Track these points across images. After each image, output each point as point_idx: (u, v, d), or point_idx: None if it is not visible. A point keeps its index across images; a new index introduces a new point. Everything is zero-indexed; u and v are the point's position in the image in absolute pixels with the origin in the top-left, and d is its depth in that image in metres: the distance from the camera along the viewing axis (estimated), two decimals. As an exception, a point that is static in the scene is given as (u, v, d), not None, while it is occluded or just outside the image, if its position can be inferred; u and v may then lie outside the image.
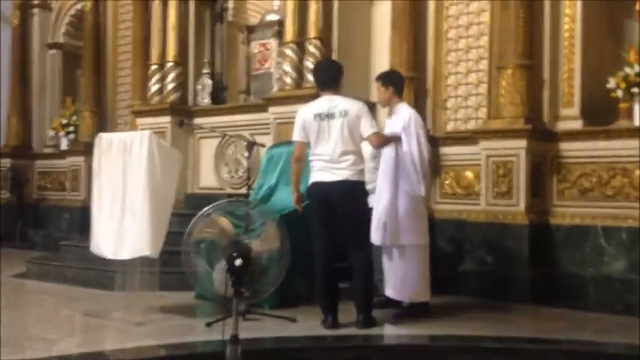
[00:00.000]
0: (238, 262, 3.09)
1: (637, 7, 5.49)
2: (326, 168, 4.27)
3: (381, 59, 6.39)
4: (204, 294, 4.71)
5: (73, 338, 4.26)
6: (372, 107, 4.61)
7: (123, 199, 4.50)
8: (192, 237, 3.51)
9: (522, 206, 5.39)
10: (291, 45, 6.44)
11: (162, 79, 7.54)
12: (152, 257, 4.49)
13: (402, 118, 4.64)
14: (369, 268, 4.37)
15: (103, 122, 8.95)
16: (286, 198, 5.05)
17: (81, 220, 8.34)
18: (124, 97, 8.94)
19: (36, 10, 9.96)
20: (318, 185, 4.31)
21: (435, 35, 6.20)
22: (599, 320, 4.79)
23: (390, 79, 4.82)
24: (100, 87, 9.02)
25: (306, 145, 4.36)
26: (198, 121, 7.28)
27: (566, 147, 5.49)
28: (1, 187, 9.92)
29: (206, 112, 7.37)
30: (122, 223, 4.50)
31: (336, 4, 6.38)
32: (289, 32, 6.47)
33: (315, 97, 4.78)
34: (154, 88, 7.58)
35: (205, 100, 7.51)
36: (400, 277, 4.61)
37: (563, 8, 5.59)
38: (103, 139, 4.71)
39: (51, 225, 9.43)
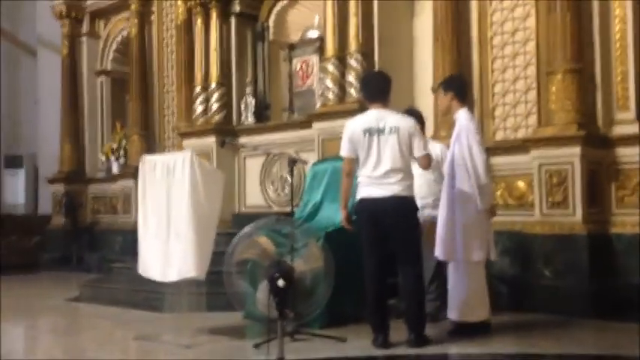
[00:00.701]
0: (281, 282, 3.02)
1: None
2: (374, 184, 4.16)
3: (424, 71, 6.28)
4: (251, 314, 4.65)
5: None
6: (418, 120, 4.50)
7: (168, 222, 4.50)
8: (233, 257, 3.46)
9: (579, 216, 5.16)
10: (332, 60, 6.40)
11: (206, 100, 7.62)
12: (199, 279, 4.47)
13: (456, 126, 4.50)
14: (419, 285, 4.23)
15: (152, 145, 9.10)
16: (332, 215, 4.96)
17: (132, 241, 8.41)
18: (171, 120, 9.08)
19: (84, 39, 10.26)
20: (366, 201, 4.20)
21: (480, 43, 6.06)
22: (667, 335, 4.50)
23: (450, 83, 4.70)
24: (148, 110, 9.20)
25: (354, 161, 4.25)
26: (243, 140, 7.30)
27: (624, 152, 5.26)
28: (57, 212, 10.19)
29: (250, 131, 7.40)
30: (168, 245, 4.49)
31: (376, 18, 6.31)
32: (330, 48, 6.44)
33: (358, 111, 4.70)
34: (199, 109, 7.66)
35: (249, 119, 7.53)
36: (451, 295, 4.46)
37: (612, 9, 5.39)
38: (147, 162, 4.74)
39: (105, 247, 9.59)
